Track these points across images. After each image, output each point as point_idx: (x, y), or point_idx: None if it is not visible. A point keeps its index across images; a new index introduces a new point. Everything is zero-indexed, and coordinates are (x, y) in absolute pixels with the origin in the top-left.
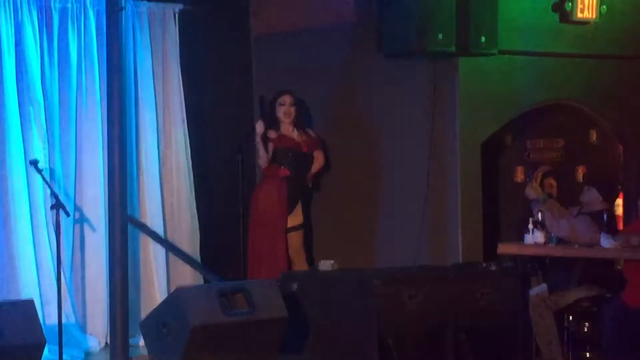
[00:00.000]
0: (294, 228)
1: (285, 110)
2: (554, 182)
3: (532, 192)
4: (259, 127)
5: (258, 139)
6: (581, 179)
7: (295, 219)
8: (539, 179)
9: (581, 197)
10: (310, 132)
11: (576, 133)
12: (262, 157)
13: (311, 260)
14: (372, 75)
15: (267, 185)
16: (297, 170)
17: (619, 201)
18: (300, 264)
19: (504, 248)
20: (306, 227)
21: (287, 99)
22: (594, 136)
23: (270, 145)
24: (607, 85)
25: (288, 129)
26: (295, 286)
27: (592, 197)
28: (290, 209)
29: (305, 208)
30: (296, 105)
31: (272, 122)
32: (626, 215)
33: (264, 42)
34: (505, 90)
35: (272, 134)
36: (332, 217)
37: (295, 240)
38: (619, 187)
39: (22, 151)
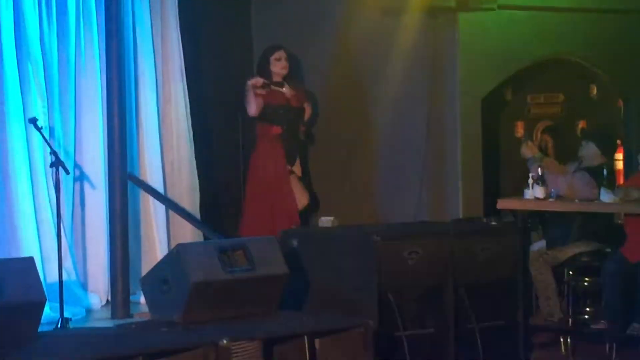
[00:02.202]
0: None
1: (283, 65)
2: (549, 139)
3: (527, 150)
4: (257, 81)
5: (249, 90)
6: (579, 133)
7: (296, 171)
8: (538, 136)
9: (579, 151)
10: (299, 86)
11: (576, 88)
12: (252, 103)
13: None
14: (371, 31)
15: (262, 144)
16: (290, 126)
17: (619, 156)
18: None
19: (503, 203)
20: (304, 180)
21: (282, 54)
22: (594, 91)
23: (260, 101)
24: (607, 39)
25: (283, 84)
26: (295, 242)
27: (590, 151)
28: (290, 164)
29: (303, 162)
30: (289, 60)
31: (265, 78)
32: (626, 169)
33: None
34: (505, 46)
35: (260, 91)
36: (330, 174)
37: (295, 182)
38: (619, 141)
39: (22, 109)
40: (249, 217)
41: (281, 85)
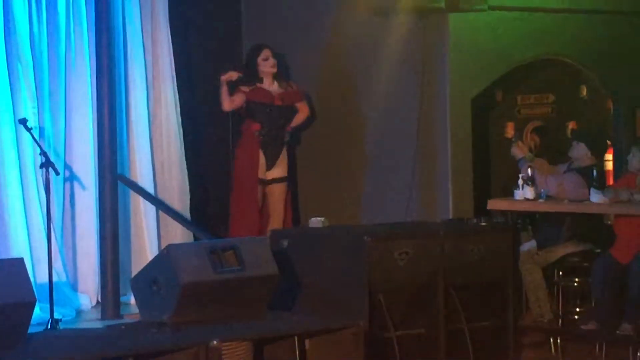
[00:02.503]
0: (275, 180)
1: (272, 63)
2: (536, 138)
3: (518, 151)
4: (230, 75)
5: (222, 84)
6: (569, 134)
7: (278, 171)
8: (527, 136)
9: (570, 152)
10: (292, 85)
11: (567, 88)
12: (225, 98)
13: (297, 217)
14: (361, 31)
15: (244, 140)
16: (272, 124)
17: (609, 156)
18: (277, 218)
19: (494, 204)
20: (291, 180)
21: (268, 52)
22: (584, 91)
23: (242, 97)
24: (597, 40)
25: (269, 82)
26: (285, 243)
27: (580, 152)
28: (270, 163)
29: (289, 161)
30: (276, 58)
31: (253, 77)
32: (616, 170)
33: None
34: (495, 46)
35: (244, 88)
36: (319, 174)
37: (277, 191)
38: (609, 142)
39: (11, 110)
40: (235, 214)
41: (262, 82)
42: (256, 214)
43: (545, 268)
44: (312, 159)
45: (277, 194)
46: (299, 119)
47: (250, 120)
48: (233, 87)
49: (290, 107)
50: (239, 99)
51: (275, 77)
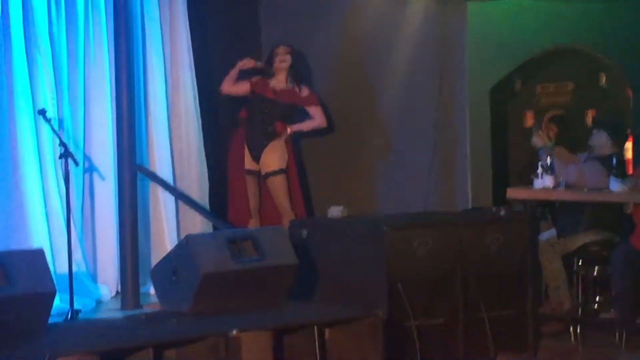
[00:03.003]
0: (269, 174)
1: (281, 58)
2: (554, 127)
3: (539, 140)
4: (249, 62)
5: (236, 67)
6: (590, 122)
7: (271, 164)
8: (546, 126)
9: (590, 140)
10: (302, 88)
11: (586, 77)
12: (227, 80)
13: (310, 207)
14: (380, 20)
15: (237, 130)
16: (259, 115)
17: (629, 145)
18: (285, 211)
19: (513, 193)
20: (300, 171)
21: (282, 49)
22: (603, 80)
23: (246, 86)
24: (617, 28)
25: (278, 79)
26: (304, 233)
27: (601, 140)
28: (255, 153)
29: (295, 153)
30: (293, 56)
31: (268, 73)
32: (635, 159)
33: None
34: (514, 35)
35: (253, 79)
36: (340, 164)
37: (273, 185)
38: (629, 130)
39: (31, 100)
40: (229, 202)
41: (272, 77)
42: (244, 202)
43: (564, 257)
44: (331, 149)
45: (274, 187)
46: (308, 124)
47: (243, 108)
48: (245, 76)
49: (289, 105)
50: (242, 87)
51: (289, 75)
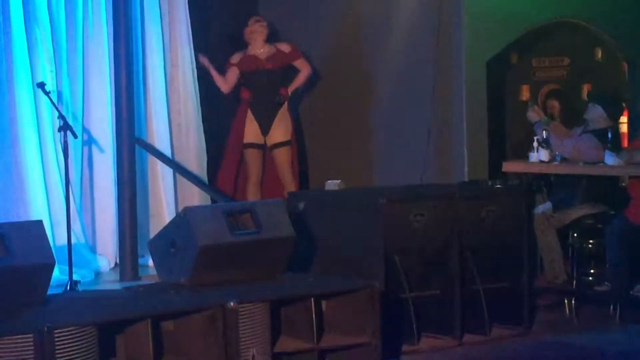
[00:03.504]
0: (276, 145)
1: (256, 28)
2: (556, 103)
3: (534, 115)
4: (202, 60)
5: (209, 69)
6: (586, 96)
7: (278, 135)
8: (546, 103)
9: (585, 114)
10: (284, 45)
11: (581, 51)
12: (219, 82)
13: (305, 180)
14: None
15: (238, 107)
16: (263, 89)
17: (624, 119)
18: (289, 183)
19: (509, 166)
20: (296, 144)
21: (253, 19)
22: (599, 54)
23: (235, 71)
24: (612, 3)
25: (257, 47)
26: (302, 205)
27: (596, 114)
28: (265, 127)
29: (294, 124)
30: (264, 23)
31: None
32: (630, 132)
33: None
34: (510, 9)
35: (233, 59)
36: (337, 138)
37: (281, 156)
38: (624, 104)
39: (30, 74)
40: (219, 175)
41: (249, 48)
42: (232, 177)
43: (559, 230)
44: (328, 123)
45: (281, 159)
46: (300, 78)
47: (243, 88)
48: (222, 65)
49: (282, 68)
50: (232, 75)
51: (266, 41)
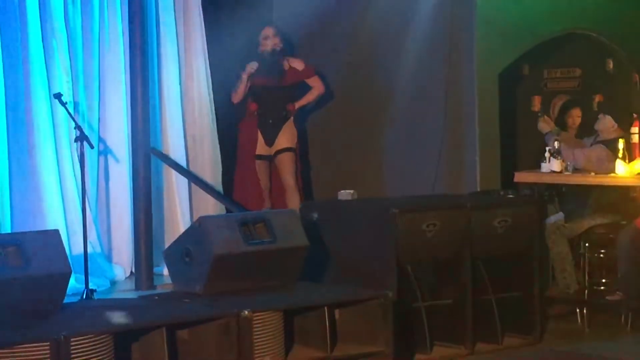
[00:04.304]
0: (279, 151)
1: (270, 42)
2: (579, 112)
3: (545, 125)
4: (252, 66)
5: (244, 77)
6: (596, 107)
7: (281, 142)
8: (555, 111)
9: (596, 125)
10: (296, 63)
11: (593, 62)
12: (239, 93)
13: (309, 190)
14: (389, 7)
15: (245, 118)
16: (270, 105)
17: (635, 129)
18: (290, 187)
19: (521, 176)
20: (302, 153)
21: (268, 31)
22: (610, 65)
23: (245, 84)
24: (623, 15)
25: (276, 64)
26: (315, 215)
27: (606, 124)
28: (270, 140)
29: (300, 135)
30: (280, 37)
31: (257, 58)
32: None
33: None
34: (522, 21)
35: (244, 74)
36: (350, 148)
37: (282, 161)
38: (635, 115)
39: (47, 84)
40: (237, 189)
41: (261, 60)
42: (257, 189)
43: (571, 240)
44: (341, 133)
45: (283, 164)
46: (310, 96)
47: (250, 99)
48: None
49: (293, 85)
50: (242, 88)
51: (278, 55)
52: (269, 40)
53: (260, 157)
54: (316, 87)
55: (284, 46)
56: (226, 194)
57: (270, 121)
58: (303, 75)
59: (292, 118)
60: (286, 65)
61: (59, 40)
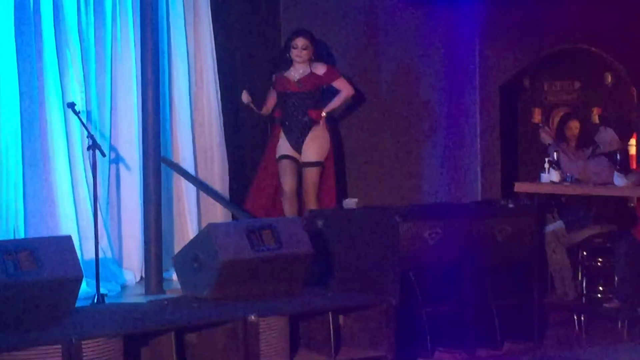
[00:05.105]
0: (306, 164)
1: (297, 53)
2: (578, 124)
3: (547, 137)
4: (245, 97)
5: (250, 105)
6: (597, 119)
7: (309, 155)
8: (555, 122)
9: (596, 137)
10: (318, 68)
11: (592, 76)
12: (268, 106)
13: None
14: (394, 19)
15: (274, 125)
16: (290, 111)
17: (632, 141)
18: (310, 202)
19: (520, 187)
20: (337, 163)
21: (299, 42)
22: (609, 79)
23: (273, 95)
24: (622, 29)
25: (294, 69)
26: (320, 223)
27: (608, 137)
28: (296, 146)
29: (333, 145)
30: (312, 47)
31: (285, 63)
32: (639, 155)
33: None
34: (524, 35)
35: (274, 79)
36: (356, 158)
37: (308, 176)
38: (633, 127)
39: (61, 94)
40: (253, 189)
41: (289, 68)
42: (270, 191)
43: (569, 248)
44: (346, 144)
45: (309, 178)
46: (338, 99)
47: (277, 108)
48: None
49: (315, 90)
50: (271, 99)
51: (305, 63)
52: (296, 51)
53: (286, 157)
54: (343, 90)
55: (312, 54)
56: (240, 201)
57: (295, 127)
58: (325, 80)
59: (322, 124)
60: (307, 71)
61: (73, 51)
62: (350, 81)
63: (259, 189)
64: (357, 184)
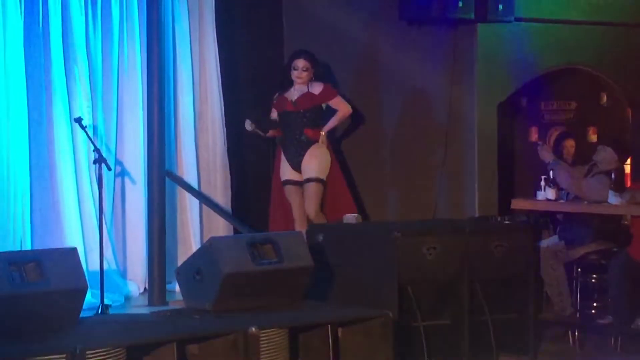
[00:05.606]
0: (307, 180)
1: (297, 74)
2: (573, 143)
3: (547, 154)
4: (248, 125)
5: (256, 131)
6: (594, 139)
7: (309, 172)
8: (552, 141)
9: (595, 155)
10: (315, 87)
11: (588, 96)
12: (270, 132)
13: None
14: (394, 40)
15: (278, 147)
16: (287, 130)
17: (627, 160)
18: (311, 217)
19: (517, 204)
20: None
21: (299, 63)
22: (604, 99)
23: (273, 111)
24: (617, 51)
25: (293, 89)
26: (320, 237)
27: (607, 156)
28: (294, 166)
29: (323, 162)
30: (312, 68)
31: (287, 84)
32: (633, 174)
33: (294, 2)
34: (521, 55)
35: (274, 98)
36: (354, 175)
37: (306, 191)
38: (628, 148)
39: (68, 109)
40: (272, 215)
41: (289, 88)
42: (281, 213)
43: (566, 265)
44: (346, 160)
45: (308, 194)
46: (335, 118)
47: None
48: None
49: (311, 109)
50: (272, 116)
51: (305, 84)
52: (296, 72)
53: (288, 182)
54: (340, 109)
55: (316, 76)
56: (242, 215)
57: (292, 147)
58: (320, 98)
59: (321, 143)
60: (304, 91)
61: (80, 66)
62: (347, 100)
63: (275, 217)
64: (357, 200)
